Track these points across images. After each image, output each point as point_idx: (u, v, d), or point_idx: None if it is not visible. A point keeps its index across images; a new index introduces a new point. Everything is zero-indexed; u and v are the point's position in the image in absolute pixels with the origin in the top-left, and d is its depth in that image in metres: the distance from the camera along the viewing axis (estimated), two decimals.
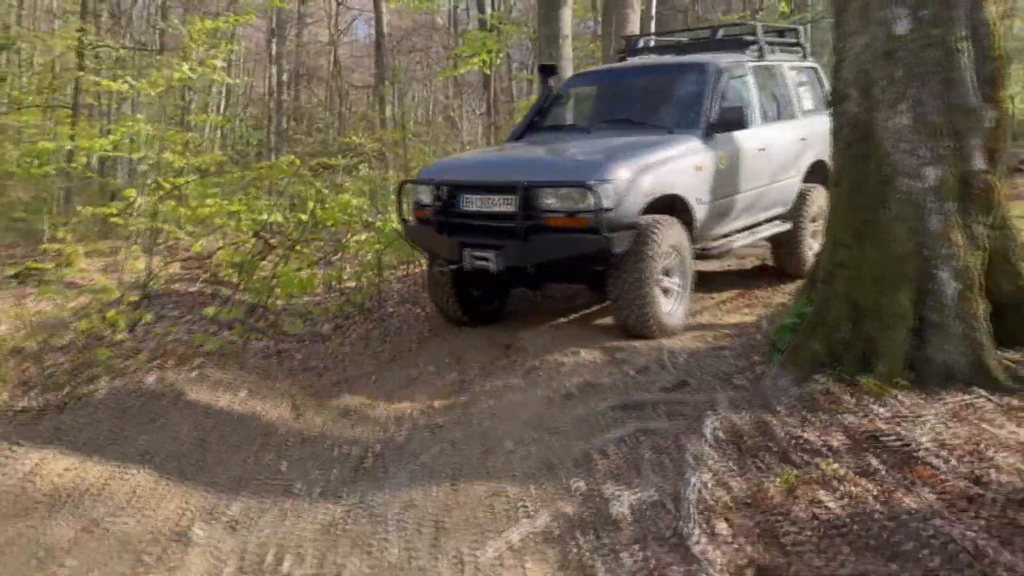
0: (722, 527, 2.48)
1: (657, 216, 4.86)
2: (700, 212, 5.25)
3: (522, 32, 15.98)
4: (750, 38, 6.42)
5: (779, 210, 6.17)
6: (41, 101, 13.18)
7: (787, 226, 6.15)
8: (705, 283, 5.72)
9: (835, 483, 2.54)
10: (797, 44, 6.89)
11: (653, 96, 5.95)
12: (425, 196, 5.27)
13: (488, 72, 15.15)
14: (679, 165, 5.12)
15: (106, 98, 14.93)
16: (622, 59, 7.10)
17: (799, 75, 6.63)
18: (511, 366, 4.55)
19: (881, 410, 3.01)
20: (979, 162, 3.51)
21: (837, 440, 2.81)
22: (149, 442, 3.46)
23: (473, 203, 4.99)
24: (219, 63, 10.03)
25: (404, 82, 23.30)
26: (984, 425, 2.77)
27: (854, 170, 3.74)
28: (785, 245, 6.28)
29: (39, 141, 10.53)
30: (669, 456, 3.06)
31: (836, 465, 2.64)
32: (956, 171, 3.48)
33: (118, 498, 2.95)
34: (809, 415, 3.08)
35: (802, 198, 6.25)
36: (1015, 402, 2.98)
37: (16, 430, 3.54)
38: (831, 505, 2.43)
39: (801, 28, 7.06)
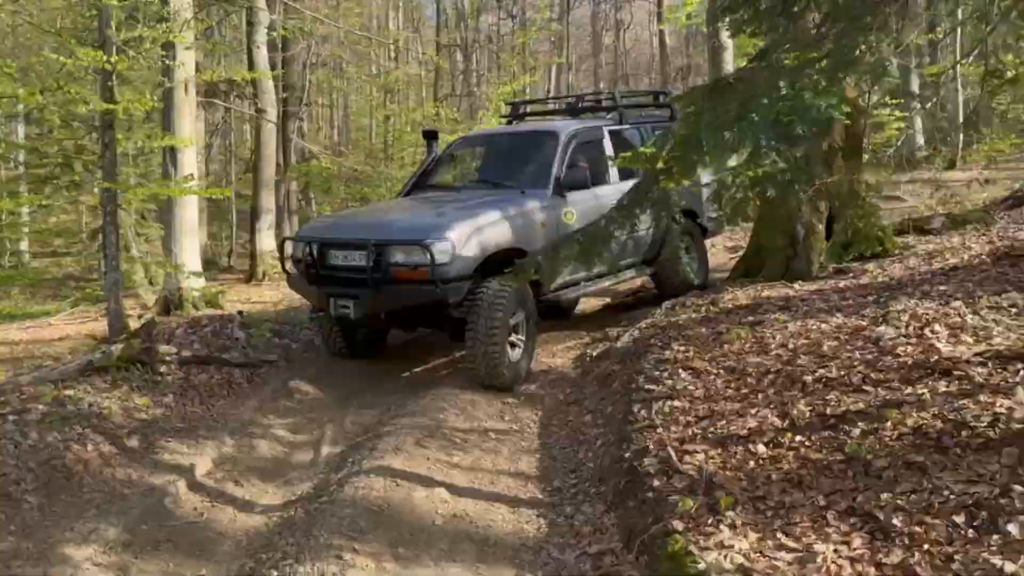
0: (638, 328, 6.67)
1: (504, 279, 5.65)
2: (546, 265, 5.84)
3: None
4: (611, 104, 7.70)
5: (639, 256, 7.30)
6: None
7: (646, 271, 7.44)
8: None
9: (680, 312, 6.57)
10: (667, 105, 8.02)
11: (514, 159, 6.99)
12: (298, 252, 6.18)
13: None
14: (523, 222, 6.07)
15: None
16: (509, 123, 8.35)
17: None
18: None
19: (738, 292, 6.84)
20: (822, 173, 7.02)
21: (703, 301, 6.76)
22: None
23: (337, 258, 5.92)
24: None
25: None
26: (756, 288, 6.54)
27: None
28: (658, 279, 7.72)
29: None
30: (647, 315, 7.21)
31: (688, 308, 6.65)
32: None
33: None
34: (711, 295, 7.00)
35: (666, 244, 7.38)
36: (797, 285, 6.60)
37: None
38: (676, 319, 6.49)
39: (672, 90, 8.45)
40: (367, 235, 5.79)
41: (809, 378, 4.25)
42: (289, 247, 6.48)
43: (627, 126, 7.53)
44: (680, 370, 4.93)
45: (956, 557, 2.55)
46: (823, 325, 5.13)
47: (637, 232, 6.70)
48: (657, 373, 5.01)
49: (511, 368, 5.81)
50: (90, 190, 13.41)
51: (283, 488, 4.54)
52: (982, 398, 3.50)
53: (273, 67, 15.25)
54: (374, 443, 4.77)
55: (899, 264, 6.57)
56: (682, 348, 5.40)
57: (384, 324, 6.31)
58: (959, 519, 2.72)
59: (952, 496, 2.86)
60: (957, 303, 4.98)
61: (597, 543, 3.45)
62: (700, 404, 4.38)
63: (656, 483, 3.56)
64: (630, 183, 6.49)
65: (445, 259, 5.45)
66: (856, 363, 4.28)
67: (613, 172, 7.04)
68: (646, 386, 4.85)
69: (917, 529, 2.74)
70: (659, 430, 4.15)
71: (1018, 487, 2.77)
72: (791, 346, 4.87)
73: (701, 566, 2.81)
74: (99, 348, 6.14)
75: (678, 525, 3.12)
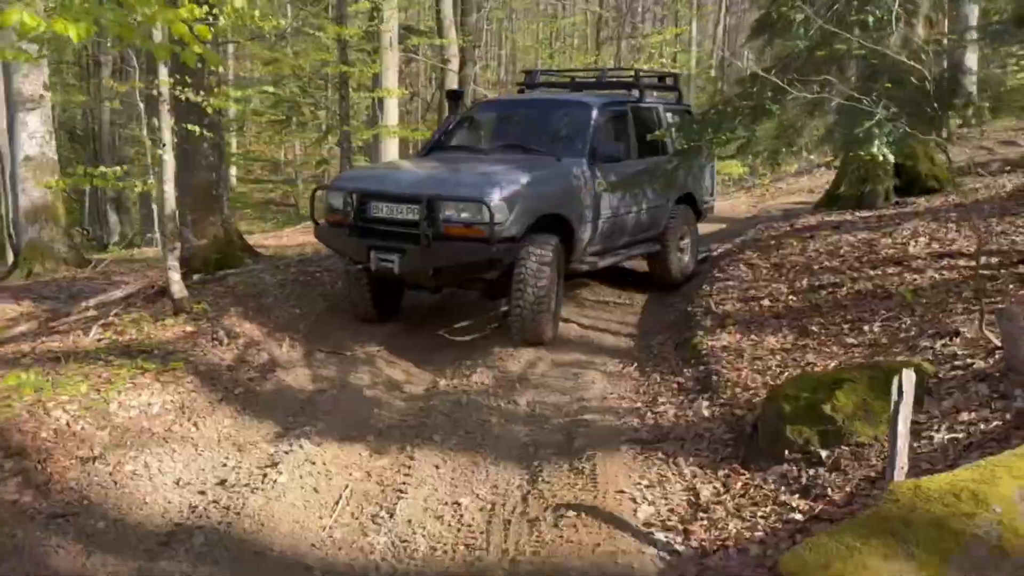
0: (731, 243, 9.05)
1: (548, 236, 5.93)
2: (580, 232, 6.33)
3: None
4: (631, 81, 7.86)
5: (650, 233, 7.52)
6: None
7: (655, 247, 7.57)
8: None
9: (766, 231, 8.88)
10: (675, 88, 8.46)
11: (544, 126, 7.13)
12: (337, 202, 6.25)
13: None
14: (566, 188, 6.29)
15: None
16: (521, 91, 8.52)
17: (673, 116, 7.94)
18: None
19: (811, 217, 9.02)
20: None
21: (786, 223, 9.02)
22: None
23: (381, 210, 5.94)
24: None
25: None
26: (827, 215, 8.73)
27: None
28: (656, 260, 7.78)
29: None
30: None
31: (773, 228, 8.94)
32: None
33: None
34: (793, 218, 9.22)
35: (669, 223, 7.60)
36: (859, 212, 8.71)
37: None
38: (759, 237, 8.82)
39: (680, 74, 9.19)
40: (420, 189, 5.89)
41: (816, 267, 6.63)
42: (327, 196, 6.57)
43: (647, 104, 7.76)
44: (741, 264, 7.40)
45: (830, 340, 5.02)
46: (851, 237, 7.38)
47: (649, 206, 7.29)
48: (728, 267, 7.49)
49: (553, 325, 6.15)
50: (314, 128, 16.98)
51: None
52: (905, 275, 5.81)
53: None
54: None
55: (941, 198, 8.54)
56: (751, 252, 7.82)
57: (423, 281, 6.31)
58: (846, 327, 5.17)
59: (850, 318, 5.29)
60: (952, 224, 7.09)
61: (660, 347, 6.12)
62: (745, 283, 6.86)
63: (698, 318, 6.16)
64: (647, 161, 7.17)
65: (502, 218, 5.63)
66: (850, 259, 6.60)
67: (633, 148, 7.22)
68: (716, 274, 7.36)
69: (822, 332, 5.21)
70: (713, 296, 6.69)
71: (883, 311, 5.17)
72: (821, 250, 7.19)
73: (703, 346, 5.43)
74: None
75: (700, 333, 5.74)
